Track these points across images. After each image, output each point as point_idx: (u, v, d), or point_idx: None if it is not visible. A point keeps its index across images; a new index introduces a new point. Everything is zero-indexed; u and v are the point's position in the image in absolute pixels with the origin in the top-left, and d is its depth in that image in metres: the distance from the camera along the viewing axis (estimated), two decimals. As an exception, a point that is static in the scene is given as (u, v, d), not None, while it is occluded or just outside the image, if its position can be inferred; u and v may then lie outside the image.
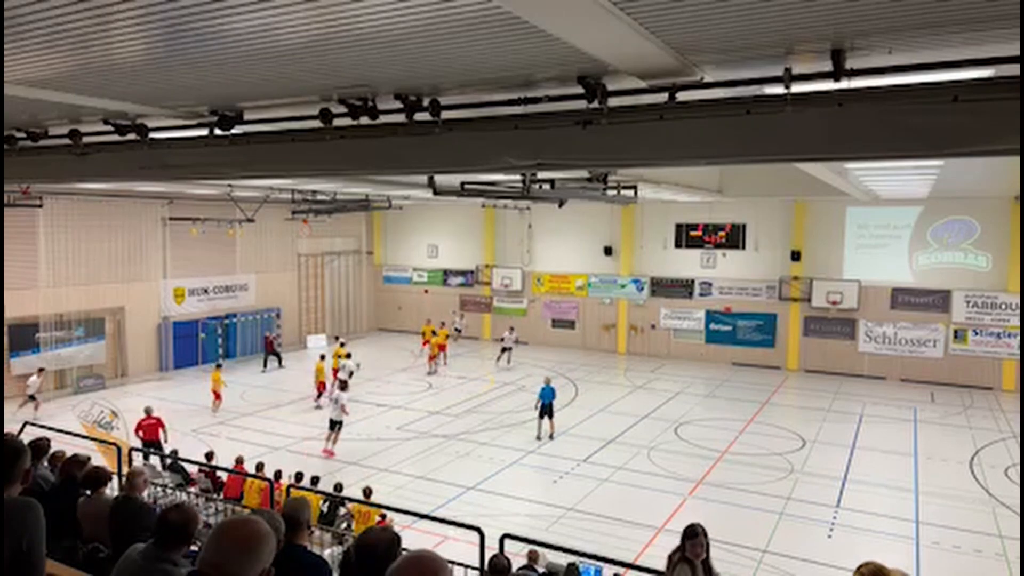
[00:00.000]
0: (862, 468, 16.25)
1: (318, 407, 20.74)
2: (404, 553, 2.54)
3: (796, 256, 26.74)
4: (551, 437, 18.06)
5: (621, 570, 9.25)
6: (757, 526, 13.04)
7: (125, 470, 9.04)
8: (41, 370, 20.91)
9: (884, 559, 12.46)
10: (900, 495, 14.64)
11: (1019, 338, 23.27)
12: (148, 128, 8.05)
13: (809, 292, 26.58)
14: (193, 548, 3.63)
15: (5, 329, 21.56)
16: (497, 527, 8.74)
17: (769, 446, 17.81)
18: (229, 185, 19.52)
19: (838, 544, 12.42)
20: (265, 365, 26.45)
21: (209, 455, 13.72)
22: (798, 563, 11.66)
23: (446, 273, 33.98)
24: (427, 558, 2.43)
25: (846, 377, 25.85)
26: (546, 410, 18.06)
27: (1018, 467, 15.91)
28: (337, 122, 6.68)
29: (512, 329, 28.13)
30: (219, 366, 21.53)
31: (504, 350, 26.99)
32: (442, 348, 26.77)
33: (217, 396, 20.49)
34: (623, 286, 30.05)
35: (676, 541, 12.29)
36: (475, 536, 7.73)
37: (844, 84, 4.63)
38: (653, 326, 29.61)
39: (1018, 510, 13.42)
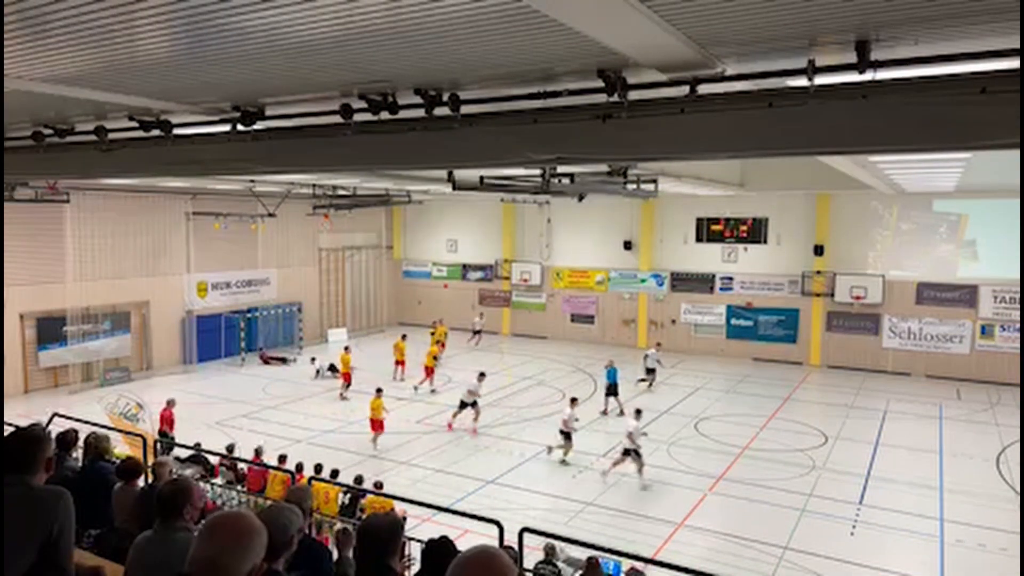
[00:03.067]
0: (886, 465, 16.06)
1: (345, 398, 21.43)
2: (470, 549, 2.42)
3: (819, 250, 26.43)
4: (621, 413, 19.30)
5: (640, 564, 9.24)
6: (778, 523, 12.95)
7: (151, 460, 9.18)
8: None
9: (908, 557, 12.33)
10: (924, 492, 14.45)
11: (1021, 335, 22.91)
12: (172, 124, 8.14)
13: (832, 287, 26.27)
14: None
15: (21, 323, 22.01)
16: (516, 521, 8.76)
17: (791, 442, 17.66)
18: (252, 180, 19.71)
19: (861, 542, 12.31)
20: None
21: (230, 447, 13.90)
22: (820, 560, 11.57)
23: (465, 268, 34.05)
24: (491, 555, 2.26)
25: (869, 373, 25.53)
26: (612, 389, 19.73)
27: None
28: (357, 117, 6.71)
29: (659, 345, 24.56)
30: (379, 391, 17.75)
31: (649, 371, 22.81)
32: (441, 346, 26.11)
33: (376, 425, 17.10)
34: (643, 281, 29.92)
35: (697, 537, 12.34)
36: (494, 530, 7.75)
37: (869, 76, 4.56)
38: (673, 321, 29.46)
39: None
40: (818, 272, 26.53)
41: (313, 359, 24.82)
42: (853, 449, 17.19)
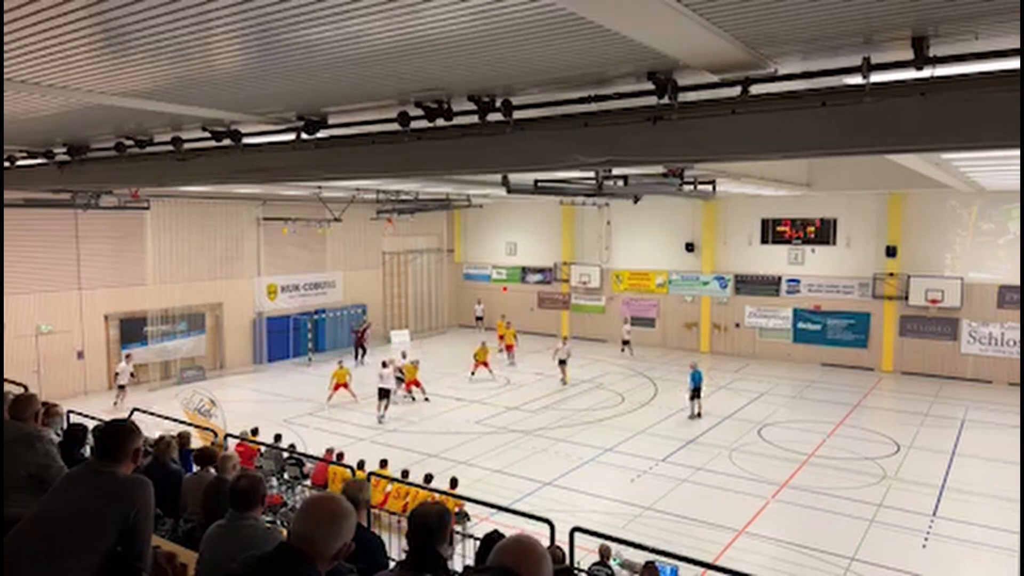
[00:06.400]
0: (963, 476, 15.34)
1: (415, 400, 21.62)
2: (509, 535, 2.67)
3: (892, 252, 25.42)
4: (699, 416, 19.65)
5: (700, 570, 9.12)
6: (845, 532, 12.56)
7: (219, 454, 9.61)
8: (128, 356, 21.44)
9: (984, 571, 11.72)
10: (1004, 505, 13.71)
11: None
12: (241, 134, 8.56)
13: (906, 290, 25.22)
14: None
15: (106, 323, 23.24)
16: (573, 523, 8.78)
17: (860, 450, 17.07)
18: (318, 186, 20.35)
19: (933, 554, 11.82)
20: (356, 358, 26.87)
21: (292, 446, 14.40)
22: (889, 572, 11.17)
23: (524, 270, 34.20)
24: (530, 541, 2.53)
25: (947, 380, 24.39)
26: (695, 392, 19.63)
27: None
28: (414, 124, 6.91)
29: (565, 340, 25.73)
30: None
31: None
32: (510, 348, 27.09)
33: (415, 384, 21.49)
34: (705, 283, 29.41)
35: (758, 544, 12.08)
36: (547, 528, 7.83)
37: (927, 72, 4.44)
38: (737, 324, 28.85)
39: None
40: (891, 274, 25.52)
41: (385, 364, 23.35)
42: (928, 459, 16.49)
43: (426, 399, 21.64)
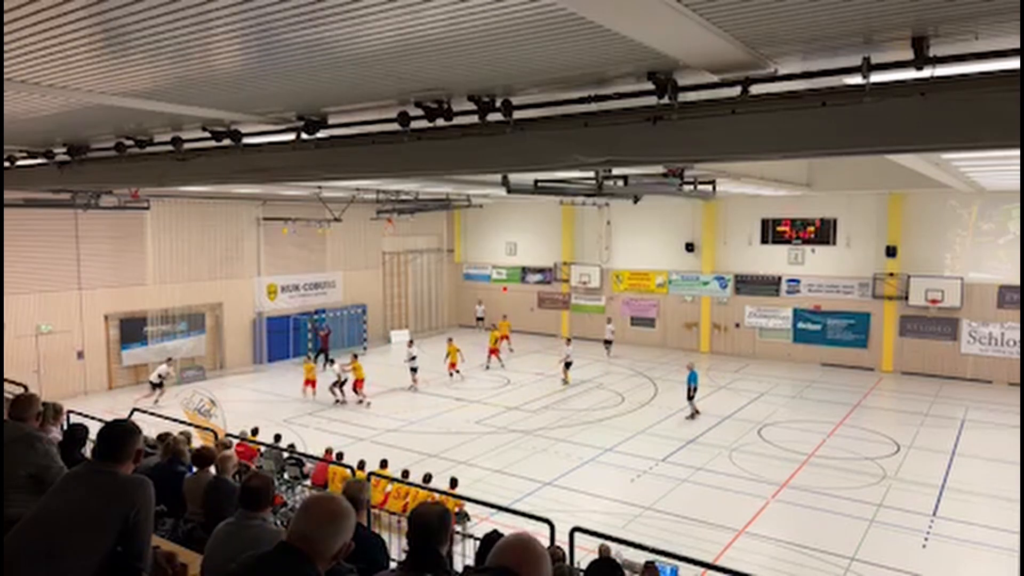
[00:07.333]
0: (963, 476, 15.34)
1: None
2: (508, 534, 2.67)
3: (892, 252, 25.42)
4: (695, 415, 19.80)
5: (700, 570, 9.12)
6: (845, 532, 12.56)
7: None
8: (170, 360, 22.11)
9: (984, 571, 11.70)
10: (1004, 505, 13.71)
11: None
12: (241, 134, 8.55)
13: (906, 290, 25.22)
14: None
15: (106, 323, 23.25)
16: (573, 523, 8.78)
17: (860, 450, 17.07)
18: (318, 186, 20.35)
19: (933, 554, 11.81)
20: (315, 359, 25.15)
21: (292, 446, 14.40)
22: (889, 572, 11.16)
23: (524, 270, 34.20)
24: (529, 541, 2.52)
25: (947, 380, 24.39)
26: (692, 392, 19.98)
27: None
28: (414, 124, 6.90)
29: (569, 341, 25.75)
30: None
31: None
32: (494, 351, 26.90)
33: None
34: (705, 283, 29.41)
35: (758, 544, 12.07)
36: (546, 528, 7.83)
37: (927, 72, 4.44)
38: (737, 324, 28.84)
39: None
40: (891, 274, 25.52)
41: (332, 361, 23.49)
42: (927, 459, 16.48)
43: (367, 404, 21.07)
